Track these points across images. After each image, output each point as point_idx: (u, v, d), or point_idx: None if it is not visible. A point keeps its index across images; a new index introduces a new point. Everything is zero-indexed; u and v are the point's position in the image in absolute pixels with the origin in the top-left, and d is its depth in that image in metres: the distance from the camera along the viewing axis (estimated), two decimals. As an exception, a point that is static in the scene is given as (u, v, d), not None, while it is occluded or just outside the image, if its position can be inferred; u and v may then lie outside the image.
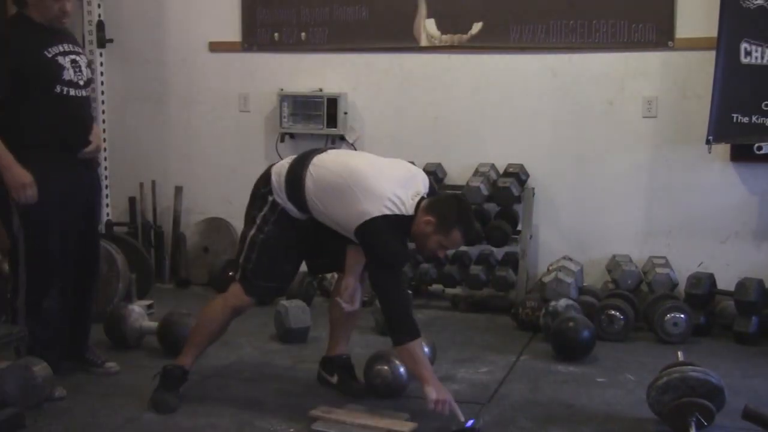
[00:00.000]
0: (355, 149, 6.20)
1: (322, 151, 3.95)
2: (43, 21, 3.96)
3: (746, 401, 3.68)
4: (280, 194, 3.86)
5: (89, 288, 4.42)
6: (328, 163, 3.84)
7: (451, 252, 5.56)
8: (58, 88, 3.95)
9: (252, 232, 3.91)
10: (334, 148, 4.01)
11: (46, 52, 3.93)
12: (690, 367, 3.69)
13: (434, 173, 5.84)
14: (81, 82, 4.05)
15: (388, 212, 3.63)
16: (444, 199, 3.71)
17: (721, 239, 5.59)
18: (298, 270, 4.09)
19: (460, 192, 3.84)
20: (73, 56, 4.03)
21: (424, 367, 3.71)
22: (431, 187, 3.86)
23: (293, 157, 3.95)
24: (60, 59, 3.97)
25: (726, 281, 5.31)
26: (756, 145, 5.25)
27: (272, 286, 4.00)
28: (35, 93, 3.93)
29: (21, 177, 3.85)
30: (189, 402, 4.02)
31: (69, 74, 3.98)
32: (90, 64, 4.26)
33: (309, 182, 3.78)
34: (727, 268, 5.45)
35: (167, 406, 3.91)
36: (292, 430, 3.71)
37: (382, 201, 3.64)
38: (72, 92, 4.00)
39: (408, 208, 3.66)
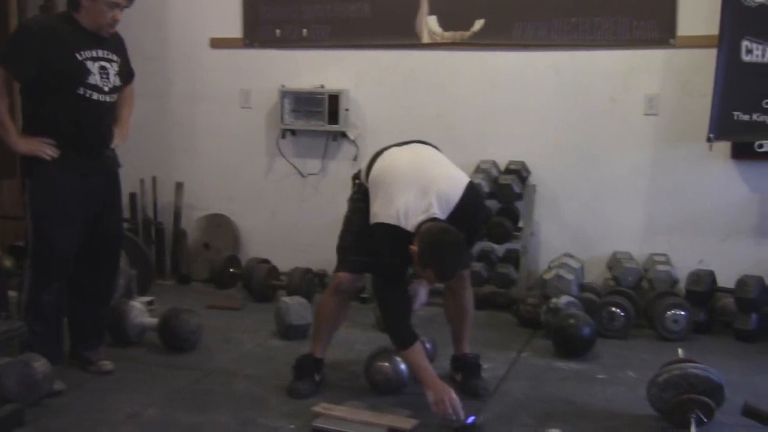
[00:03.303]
0: (357, 146, 6.22)
1: (401, 144, 4.08)
2: (89, 27, 4.06)
3: (746, 398, 3.69)
4: (362, 177, 4.07)
5: (105, 290, 4.48)
6: (389, 157, 3.98)
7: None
8: (81, 90, 4.03)
9: (345, 214, 4.14)
10: (424, 143, 4.06)
11: (77, 54, 4.02)
12: (690, 363, 3.70)
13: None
14: (105, 88, 4.11)
15: (391, 222, 3.71)
16: (429, 233, 3.60)
17: (722, 237, 5.59)
18: None
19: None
20: (103, 63, 4.11)
21: (421, 372, 3.78)
22: (465, 200, 3.80)
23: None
24: (89, 63, 4.05)
25: (726, 278, 5.32)
26: (757, 143, 5.25)
27: (361, 260, 3.99)
28: (59, 91, 4.03)
29: (27, 144, 4.04)
30: (190, 399, 4.04)
31: (95, 79, 4.06)
32: (125, 73, 4.33)
33: (372, 171, 3.96)
34: (728, 265, 5.43)
35: (297, 392, 4.06)
36: (293, 426, 3.71)
37: (390, 210, 3.72)
38: (95, 96, 4.08)
39: (411, 225, 3.68)
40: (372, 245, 3.81)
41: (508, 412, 3.91)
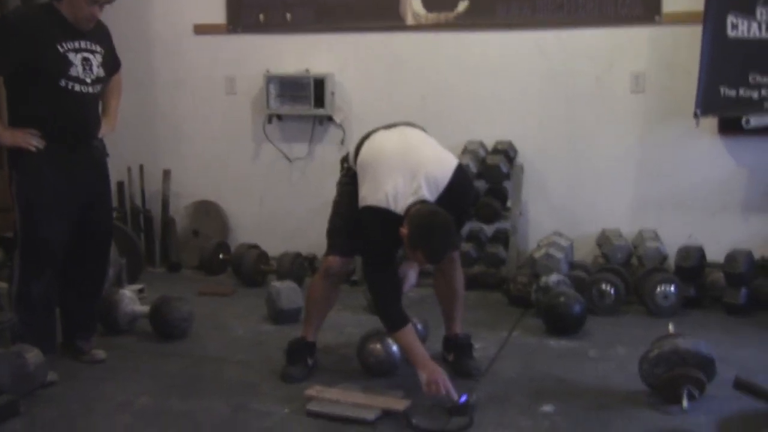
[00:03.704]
0: (344, 130, 6.21)
1: (389, 126, 4.05)
2: (70, 18, 4.03)
3: (737, 371, 3.70)
4: (350, 160, 4.04)
5: (96, 280, 4.47)
6: (377, 139, 3.95)
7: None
8: (63, 82, 4.01)
9: (333, 198, 4.13)
10: (412, 125, 4.07)
11: (59, 46, 3.99)
12: (681, 338, 3.72)
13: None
14: (88, 80, 4.09)
15: (380, 205, 3.70)
16: (419, 215, 3.61)
17: (710, 212, 5.61)
18: None
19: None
20: (86, 54, 4.08)
21: (412, 353, 3.78)
22: (454, 182, 3.79)
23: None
24: (71, 55, 4.02)
25: (715, 253, 5.34)
26: (744, 118, 5.25)
27: (350, 243, 3.99)
28: (42, 83, 4.01)
29: (12, 136, 4.03)
30: (182, 386, 4.03)
31: (77, 70, 4.03)
32: (110, 63, 4.29)
33: (360, 154, 3.94)
34: (717, 240, 5.46)
35: (290, 377, 4.07)
36: (287, 410, 3.71)
37: (379, 193, 3.71)
38: (77, 88, 4.05)
39: (400, 207, 3.68)
40: (361, 228, 3.81)
41: (501, 391, 3.92)
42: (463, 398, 3.62)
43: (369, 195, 3.76)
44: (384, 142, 3.92)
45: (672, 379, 3.59)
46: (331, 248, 4.06)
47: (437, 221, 3.59)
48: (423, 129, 4.12)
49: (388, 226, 3.67)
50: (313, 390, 3.79)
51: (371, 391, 3.78)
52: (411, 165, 3.76)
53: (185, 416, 3.68)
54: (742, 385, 3.57)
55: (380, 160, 3.83)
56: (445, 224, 3.60)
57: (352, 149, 4.06)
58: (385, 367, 4.09)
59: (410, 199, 3.68)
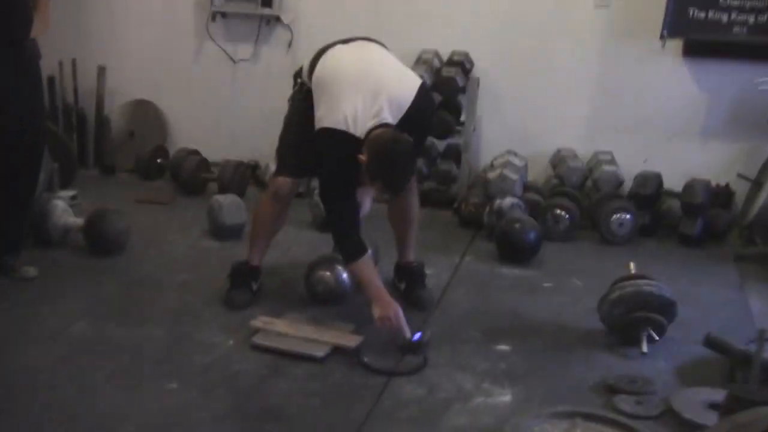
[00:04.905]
0: (291, 32, 5.88)
1: (347, 41, 3.76)
2: None
3: (693, 310, 3.72)
4: (304, 76, 3.78)
5: (26, 188, 4.15)
6: (334, 56, 3.68)
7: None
8: None
9: (285, 114, 3.89)
10: (371, 40, 3.77)
11: None
12: (644, 280, 3.60)
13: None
14: None
15: (339, 127, 3.46)
16: (380, 141, 3.40)
17: (668, 136, 5.47)
18: None
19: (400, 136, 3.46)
20: None
21: (369, 286, 3.60)
22: (417, 105, 3.58)
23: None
24: None
25: (671, 179, 5.25)
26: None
27: (301, 164, 3.78)
28: None
29: None
30: (120, 311, 3.80)
31: None
32: None
33: (316, 71, 3.66)
34: (673, 166, 5.35)
35: (233, 302, 3.88)
36: (231, 342, 3.52)
37: (337, 114, 3.47)
38: None
39: (360, 130, 3.45)
40: (318, 151, 3.57)
41: (454, 325, 3.78)
42: (417, 336, 3.47)
43: (326, 116, 3.52)
44: (342, 59, 3.66)
45: (633, 321, 3.50)
46: (281, 169, 3.83)
47: (399, 149, 3.38)
48: (382, 44, 3.86)
49: (347, 150, 3.45)
50: (259, 321, 3.61)
51: (321, 324, 3.62)
52: (372, 85, 3.52)
53: (124, 346, 3.45)
54: (712, 343, 3.44)
55: (338, 78, 3.57)
56: (407, 152, 3.41)
57: (306, 63, 3.78)
58: (334, 296, 3.92)
59: (371, 122, 3.45)
